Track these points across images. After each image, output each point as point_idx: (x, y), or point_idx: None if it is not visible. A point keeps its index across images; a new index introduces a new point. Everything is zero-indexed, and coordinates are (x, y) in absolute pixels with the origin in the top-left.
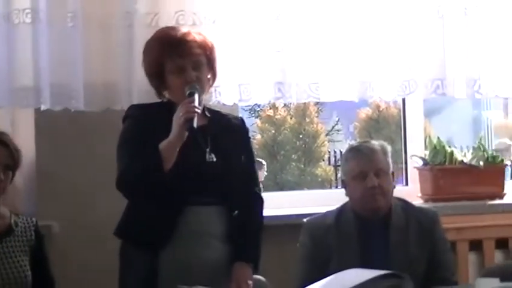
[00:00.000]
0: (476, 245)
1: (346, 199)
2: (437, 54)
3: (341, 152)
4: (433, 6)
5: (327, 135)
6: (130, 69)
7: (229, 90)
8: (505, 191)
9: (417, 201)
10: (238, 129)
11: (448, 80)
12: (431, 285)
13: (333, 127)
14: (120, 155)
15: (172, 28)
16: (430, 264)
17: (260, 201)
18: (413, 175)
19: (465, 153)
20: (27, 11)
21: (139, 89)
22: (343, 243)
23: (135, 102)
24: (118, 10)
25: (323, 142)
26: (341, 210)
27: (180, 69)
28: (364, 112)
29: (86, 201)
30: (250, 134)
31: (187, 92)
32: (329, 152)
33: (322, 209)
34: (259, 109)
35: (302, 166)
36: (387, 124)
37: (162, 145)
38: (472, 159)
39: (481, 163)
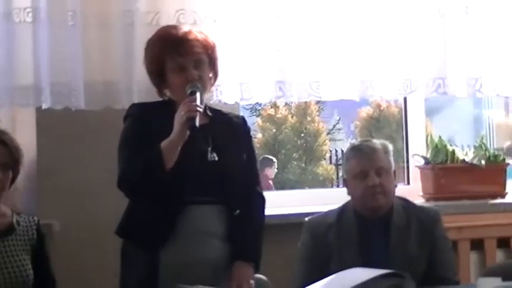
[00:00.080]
0: (477, 244)
1: (348, 198)
2: (438, 53)
3: (342, 150)
4: (434, 5)
5: (328, 134)
6: (131, 68)
7: (230, 89)
8: (506, 190)
9: (418, 200)
10: (240, 128)
11: (449, 79)
12: (432, 285)
13: (334, 126)
14: (121, 154)
15: (174, 27)
16: (431, 263)
17: (261, 200)
18: (414, 174)
19: (466, 152)
20: (28, 10)
21: (140, 88)
22: (344, 242)
23: (136, 101)
24: (118, 9)
25: (324, 141)
26: (342, 209)
27: (181, 67)
28: (365, 111)
29: (87, 200)
30: (252, 132)
31: (189, 91)
32: (330, 150)
33: (324, 208)
34: (260, 108)
35: (303, 165)
36: (388, 123)
37: (164, 144)
38: (474, 158)
39: (483, 162)
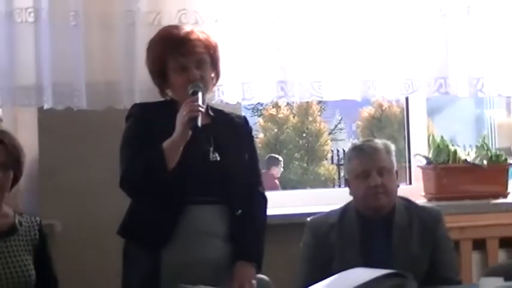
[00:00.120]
0: (479, 244)
1: (350, 198)
2: (440, 53)
3: (344, 150)
4: (435, 4)
5: (329, 134)
6: (133, 68)
7: (232, 89)
8: (508, 190)
9: (420, 200)
10: (242, 128)
11: (451, 79)
12: (434, 285)
13: (336, 126)
14: (123, 154)
15: (176, 27)
16: (433, 263)
17: (263, 200)
18: (416, 174)
19: (468, 152)
20: (30, 10)
21: (142, 88)
22: (346, 242)
23: (137, 101)
24: (120, 9)
25: (326, 141)
26: (345, 209)
27: (183, 68)
28: (367, 111)
29: (89, 200)
30: (253, 133)
31: (191, 91)
32: (332, 150)
33: (325, 208)
34: (261, 108)
35: (305, 165)
36: (390, 123)
37: (166, 144)
38: (476, 158)
39: (485, 162)
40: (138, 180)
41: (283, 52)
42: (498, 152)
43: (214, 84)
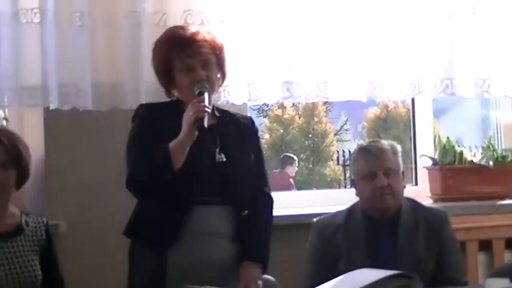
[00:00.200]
0: (485, 245)
1: (355, 199)
2: (446, 54)
3: (349, 151)
4: (441, 5)
5: (335, 134)
6: (138, 69)
7: (238, 89)
8: None
9: (426, 201)
10: (248, 129)
11: (457, 80)
12: (440, 286)
13: (342, 127)
14: (129, 155)
15: (182, 27)
16: (439, 264)
17: (269, 201)
18: (422, 175)
19: (474, 153)
20: (36, 10)
21: (147, 89)
22: (352, 243)
23: (143, 101)
24: (126, 9)
25: (331, 142)
26: (351, 210)
27: (189, 68)
28: (373, 112)
29: (94, 201)
30: (259, 133)
31: (197, 91)
32: (337, 151)
33: (331, 209)
34: (267, 108)
35: (311, 166)
36: (395, 124)
37: (172, 144)
38: (482, 159)
39: (491, 163)
40: (144, 180)
41: (289, 53)
42: (504, 153)
43: (220, 85)
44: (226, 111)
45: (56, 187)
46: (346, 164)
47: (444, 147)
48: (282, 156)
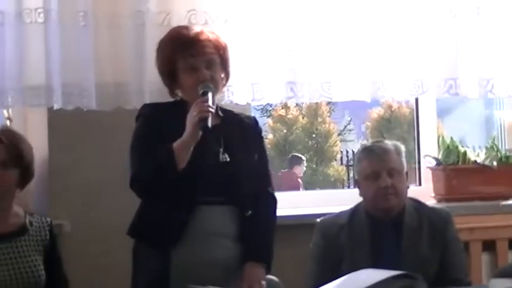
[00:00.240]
0: (489, 246)
1: (359, 199)
2: (450, 54)
3: (353, 151)
4: (445, 5)
5: (339, 134)
6: (142, 69)
7: (241, 89)
8: None
9: (430, 201)
10: (251, 129)
11: (460, 80)
12: (444, 286)
13: (345, 127)
14: (133, 155)
15: (186, 27)
16: (442, 264)
17: (273, 201)
18: (426, 175)
19: (478, 153)
20: (39, 10)
21: (151, 89)
22: (355, 243)
23: (147, 101)
24: (130, 9)
25: (335, 142)
26: (354, 210)
27: (193, 68)
28: (376, 112)
29: (98, 201)
30: (262, 133)
31: (201, 91)
32: (341, 151)
33: (335, 209)
34: (271, 108)
35: (314, 166)
36: (399, 124)
37: (176, 144)
38: (485, 159)
39: (494, 163)
40: (148, 180)
41: (293, 53)
42: (508, 153)
43: (224, 85)
44: (230, 111)
45: (59, 187)
46: (350, 164)
47: (448, 147)
48: (290, 156)
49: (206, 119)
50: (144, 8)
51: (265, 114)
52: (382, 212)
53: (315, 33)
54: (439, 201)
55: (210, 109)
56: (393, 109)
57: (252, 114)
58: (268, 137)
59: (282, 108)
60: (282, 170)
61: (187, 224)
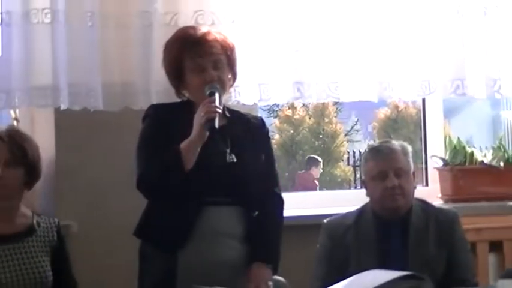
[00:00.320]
0: (496, 246)
1: (366, 199)
2: (457, 54)
3: (360, 152)
4: (453, 6)
5: (345, 135)
6: (149, 69)
7: (248, 90)
8: None
9: (437, 201)
10: (258, 129)
11: (468, 80)
12: (451, 287)
13: (352, 127)
14: (140, 155)
15: (193, 27)
16: (449, 265)
17: (280, 202)
18: (433, 175)
19: (485, 154)
20: (46, 10)
21: (158, 89)
22: (362, 243)
23: (154, 102)
24: (137, 9)
25: (342, 142)
26: (361, 210)
27: (200, 68)
28: (383, 112)
29: (105, 201)
30: (269, 134)
31: (208, 92)
32: (348, 152)
33: (341, 210)
34: (277, 109)
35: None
36: (406, 124)
37: (183, 145)
38: (492, 159)
39: (501, 163)
40: (155, 181)
41: (300, 53)
42: None
43: (231, 86)
44: (237, 111)
45: (66, 187)
46: (357, 164)
47: (455, 147)
48: (307, 157)
49: (213, 119)
50: (151, 8)
51: (271, 115)
52: (389, 212)
53: (321, 33)
54: (446, 201)
55: (217, 110)
56: (400, 109)
57: (259, 115)
58: (275, 137)
59: (289, 108)
60: (299, 171)
61: (194, 225)
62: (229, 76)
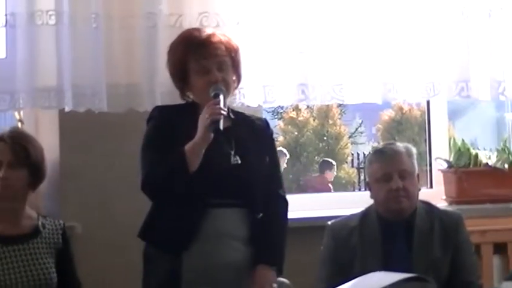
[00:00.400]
0: (500, 248)
1: (370, 201)
2: (461, 56)
3: (364, 154)
4: (457, 7)
5: (349, 137)
6: (154, 71)
7: (253, 91)
8: None
9: (441, 203)
10: (262, 131)
11: (472, 82)
12: None
13: (356, 129)
14: (144, 157)
15: (197, 29)
16: (454, 267)
17: (284, 203)
18: (437, 177)
19: (489, 156)
20: (51, 12)
21: (163, 91)
22: (366, 245)
23: (158, 103)
24: (142, 11)
25: (346, 144)
26: (365, 212)
27: (204, 70)
28: (387, 114)
29: (109, 203)
30: (273, 135)
31: (213, 93)
32: (352, 154)
33: (346, 211)
34: (281, 111)
35: None
36: (410, 126)
37: (188, 147)
38: (497, 161)
39: (506, 166)
40: (160, 183)
41: (305, 55)
42: None
43: (235, 87)
44: (241, 113)
45: (71, 189)
46: (361, 166)
47: (459, 149)
48: (321, 161)
49: (218, 121)
50: (156, 9)
51: (276, 117)
52: (394, 214)
53: (326, 35)
54: (450, 203)
55: (222, 111)
56: (404, 111)
57: (263, 117)
58: (279, 139)
59: (293, 110)
60: (313, 175)
61: (198, 227)
62: (234, 78)
